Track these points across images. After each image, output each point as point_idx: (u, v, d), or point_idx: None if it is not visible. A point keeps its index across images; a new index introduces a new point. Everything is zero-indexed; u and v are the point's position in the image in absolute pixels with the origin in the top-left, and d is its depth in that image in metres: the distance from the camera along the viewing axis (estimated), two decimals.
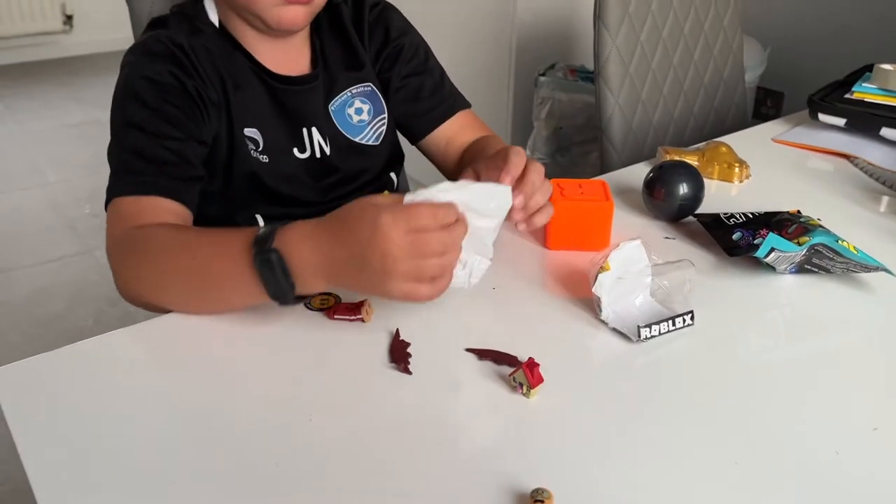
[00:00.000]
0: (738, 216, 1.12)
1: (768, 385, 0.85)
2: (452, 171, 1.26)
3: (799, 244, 0.99)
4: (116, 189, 0.97)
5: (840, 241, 1.01)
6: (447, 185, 0.80)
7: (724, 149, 1.37)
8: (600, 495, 0.70)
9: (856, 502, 0.70)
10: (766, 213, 1.11)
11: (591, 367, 0.89)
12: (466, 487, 0.70)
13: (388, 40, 1.22)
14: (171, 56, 1.01)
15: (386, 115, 1.23)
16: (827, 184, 1.37)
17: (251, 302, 0.88)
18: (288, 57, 1.13)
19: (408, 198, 0.78)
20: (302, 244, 0.80)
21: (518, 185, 0.93)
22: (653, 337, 0.91)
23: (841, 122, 1.51)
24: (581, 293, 1.00)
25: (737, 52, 2.03)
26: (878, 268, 1.01)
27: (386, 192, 1.19)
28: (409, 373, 0.85)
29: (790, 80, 2.82)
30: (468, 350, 0.88)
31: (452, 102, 1.28)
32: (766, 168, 1.41)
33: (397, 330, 0.91)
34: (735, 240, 1.07)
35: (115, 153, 1.00)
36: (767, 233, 1.04)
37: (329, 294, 0.95)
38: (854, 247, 1.01)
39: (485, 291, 0.99)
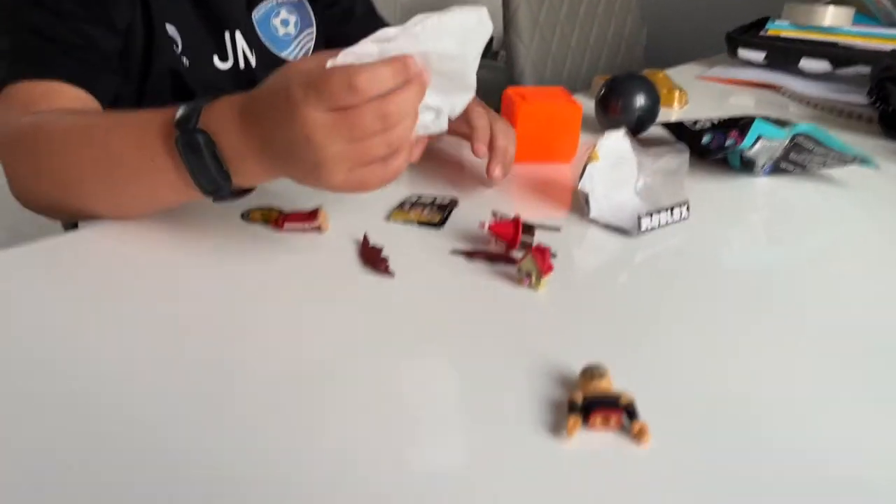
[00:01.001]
0: (703, 121, 1.05)
1: (768, 280, 0.77)
2: None
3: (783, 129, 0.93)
4: (10, 73, 0.76)
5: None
6: (394, 30, 0.61)
7: (661, 75, 1.31)
8: (646, 370, 0.59)
9: (848, 379, 0.63)
10: (730, 118, 1.05)
11: (592, 264, 0.78)
12: (494, 386, 0.56)
13: None
14: None
15: (314, 30, 1.07)
16: (761, 111, 1.35)
17: (176, 198, 0.70)
18: None
19: (332, 62, 0.59)
20: (231, 124, 0.63)
21: (490, 150, 0.86)
22: (651, 230, 0.81)
23: (760, 55, 1.50)
24: (557, 197, 0.89)
25: (635, 10, 2.03)
26: (857, 157, 0.96)
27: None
28: (391, 273, 0.70)
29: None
30: (455, 252, 0.74)
31: None
32: (699, 101, 1.37)
33: (365, 235, 0.75)
34: (705, 143, 1.00)
35: (6, 34, 0.79)
36: (737, 134, 0.97)
37: (271, 208, 0.78)
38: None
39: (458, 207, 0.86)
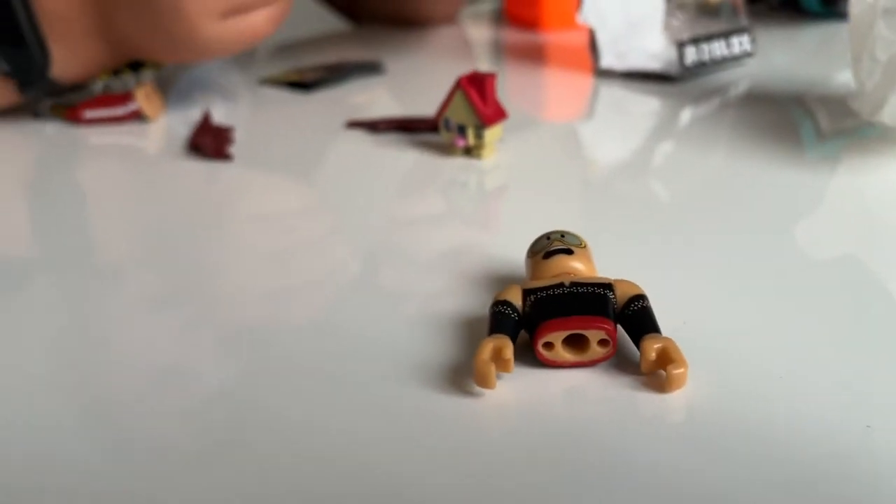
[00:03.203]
0: None
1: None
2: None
3: None
4: None
5: None
6: None
7: None
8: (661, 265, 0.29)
9: None
10: None
11: (597, 124, 0.48)
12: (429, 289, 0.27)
13: None
14: None
15: None
16: None
17: None
18: None
19: None
20: None
21: None
22: (702, 66, 0.50)
23: None
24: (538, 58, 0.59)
25: None
26: None
27: None
28: (228, 157, 0.41)
29: None
30: (351, 124, 0.45)
31: None
32: None
33: (205, 112, 0.47)
34: None
35: None
36: None
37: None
38: None
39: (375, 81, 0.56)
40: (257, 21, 0.45)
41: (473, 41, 0.71)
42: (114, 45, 0.46)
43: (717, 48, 0.50)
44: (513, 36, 0.69)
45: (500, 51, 0.67)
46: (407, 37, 0.69)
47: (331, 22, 0.78)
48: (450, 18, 0.73)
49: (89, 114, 0.47)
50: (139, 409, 0.22)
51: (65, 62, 0.45)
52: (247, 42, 0.46)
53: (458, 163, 0.39)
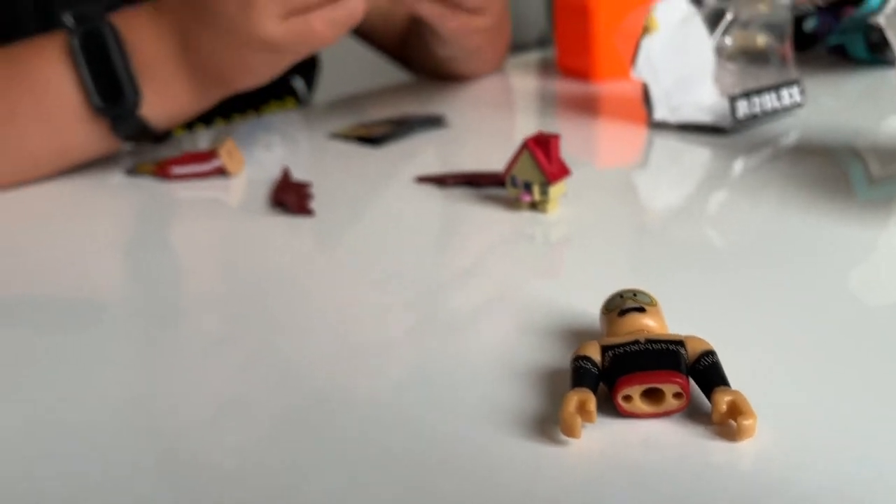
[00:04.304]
0: (803, 6, 0.75)
1: None
2: (398, 50, 0.87)
3: None
4: None
5: None
6: None
7: None
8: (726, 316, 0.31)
9: None
10: None
11: (651, 175, 0.50)
12: (461, 361, 0.30)
13: None
14: None
15: None
16: None
17: (61, 137, 0.51)
18: None
19: None
20: (140, 18, 0.51)
21: None
22: (753, 119, 0.52)
23: None
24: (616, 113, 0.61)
25: None
26: None
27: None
28: (310, 213, 0.44)
29: None
30: (420, 180, 0.48)
31: None
32: None
33: (285, 169, 0.50)
34: (809, 30, 0.71)
35: None
36: (853, 9, 0.68)
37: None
38: None
39: (437, 136, 0.60)
40: (316, 23, 0.48)
41: (526, 91, 0.74)
42: (197, 80, 0.51)
43: (768, 100, 0.52)
44: (565, 86, 0.72)
45: (554, 101, 0.70)
46: (462, 87, 0.72)
47: (387, 72, 0.82)
48: (497, 68, 0.76)
49: (177, 170, 0.51)
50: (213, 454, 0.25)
51: (154, 101, 0.50)
52: (308, 43, 0.49)
53: (524, 216, 0.42)
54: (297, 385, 0.28)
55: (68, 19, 0.49)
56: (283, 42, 0.48)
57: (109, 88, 0.49)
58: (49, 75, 0.49)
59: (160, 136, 0.54)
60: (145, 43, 0.50)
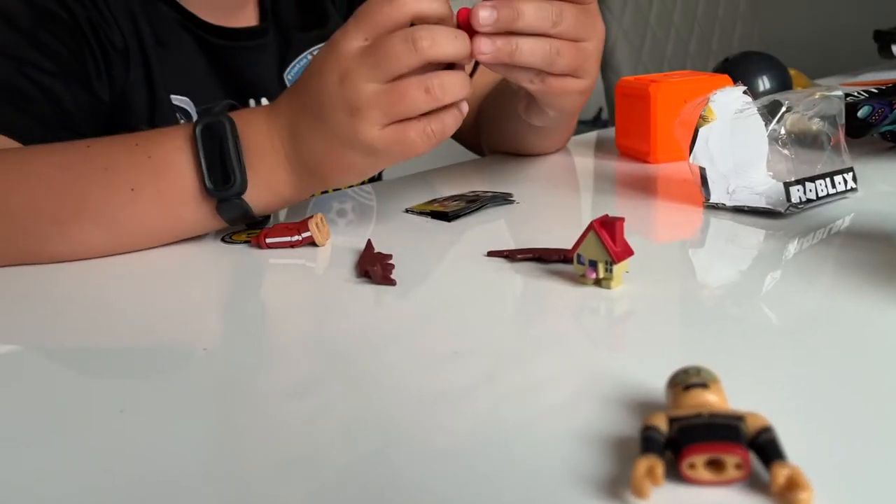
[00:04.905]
0: (856, 93, 0.78)
1: None
2: (470, 135, 0.93)
3: None
4: None
5: None
6: None
7: (793, 71, 1.06)
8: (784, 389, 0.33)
9: None
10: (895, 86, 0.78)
11: (708, 256, 0.53)
12: (539, 422, 0.33)
13: None
14: None
15: None
16: None
17: (168, 213, 0.56)
18: (227, 4, 0.83)
19: None
20: (257, 116, 0.57)
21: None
22: (807, 203, 0.55)
23: None
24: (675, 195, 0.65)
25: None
26: None
27: None
28: (392, 283, 0.48)
29: None
30: (490, 254, 0.52)
31: None
32: None
33: (369, 241, 0.55)
34: (862, 116, 0.73)
35: None
36: None
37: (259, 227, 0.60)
38: None
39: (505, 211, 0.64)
40: (412, 133, 0.53)
41: (587, 170, 0.78)
42: (298, 174, 0.56)
43: (822, 187, 0.56)
44: (624, 166, 0.76)
45: (614, 180, 0.74)
46: (527, 165, 0.77)
47: (456, 151, 0.87)
48: (561, 147, 0.81)
49: (270, 240, 0.56)
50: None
51: (257, 188, 0.55)
52: (403, 150, 0.53)
53: (589, 291, 0.45)
54: (369, 440, 0.32)
55: (197, 111, 0.55)
56: (382, 147, 0.53)
57: (221, 173, 0.54)
58: (172, 157, 0.55)
59: (259, 221, 0.59)
60: (258, 138, 0.56)
